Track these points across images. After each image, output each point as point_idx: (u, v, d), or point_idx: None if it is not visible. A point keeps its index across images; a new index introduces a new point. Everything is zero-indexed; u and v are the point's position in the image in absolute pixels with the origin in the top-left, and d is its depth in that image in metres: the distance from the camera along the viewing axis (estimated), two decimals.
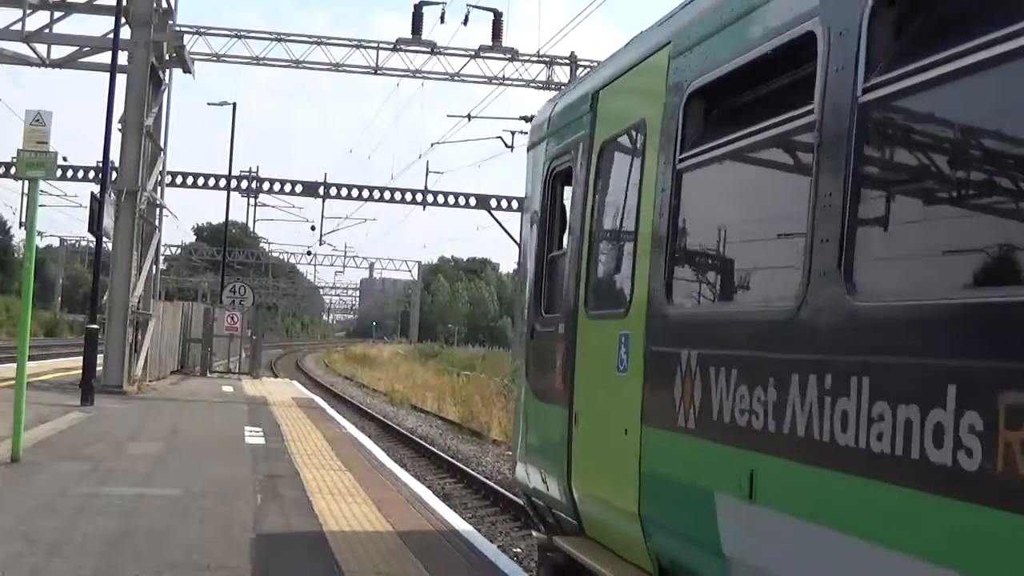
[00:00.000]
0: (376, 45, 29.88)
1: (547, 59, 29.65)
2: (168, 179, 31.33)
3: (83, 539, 7.93)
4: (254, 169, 53.99)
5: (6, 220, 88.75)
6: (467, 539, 8.90)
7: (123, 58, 22.49)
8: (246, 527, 8.77)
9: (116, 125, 21.94)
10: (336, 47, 29.81)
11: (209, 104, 44.88)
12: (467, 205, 50.97)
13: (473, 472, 16.87)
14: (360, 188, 52.41)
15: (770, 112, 4.96)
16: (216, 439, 15.25)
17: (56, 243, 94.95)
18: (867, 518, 3.92)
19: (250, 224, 68.19)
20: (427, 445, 20.96)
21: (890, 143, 4.31)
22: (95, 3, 24.54)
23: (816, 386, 4.27)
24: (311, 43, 29.73)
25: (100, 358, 21.46)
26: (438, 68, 30.01)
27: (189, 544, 7.94)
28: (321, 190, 52.80)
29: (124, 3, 21.66)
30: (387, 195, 51.65)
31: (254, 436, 15.87)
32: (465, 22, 30.05)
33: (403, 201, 52.16)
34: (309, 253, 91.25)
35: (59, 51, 24.79)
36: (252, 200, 58.17)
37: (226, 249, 47.42)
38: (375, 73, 30.02)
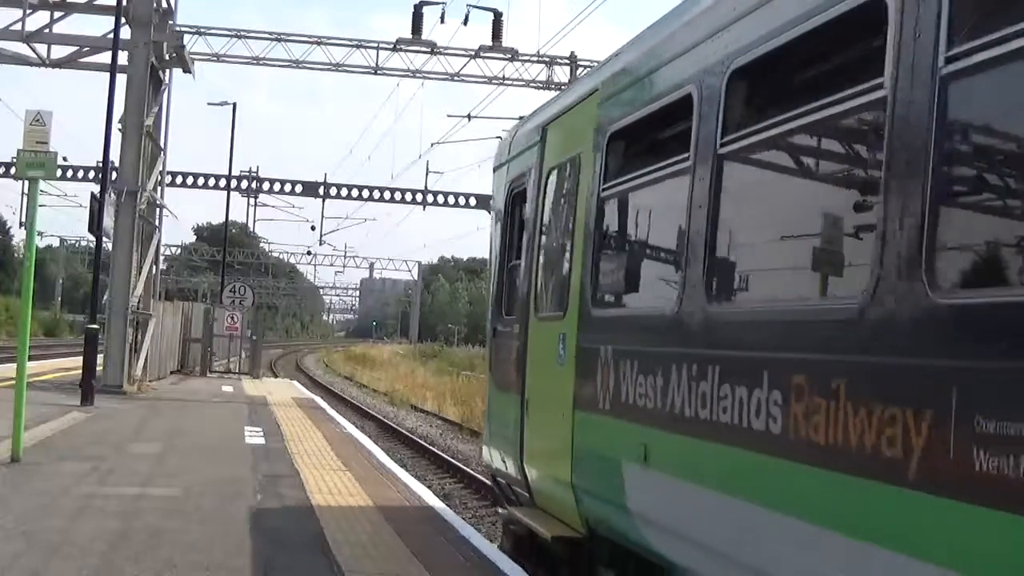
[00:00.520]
0: (376, 45, 29.88)
1: (547, 59, 29.64)
2: (168, 179, 31.32)
3: (83, 539, 7.93)
4: (254, 169, 54.06)
5: (6, 220, 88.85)
6: (468, 539, 8.89)
7: (123, 58, 22.49)
8: (246, 527, 8.77)
9: (116, 125, 21.95)
10: (336, 47, 29.81)
11: (209, 104, 44.86)
12: (467, 205, 51.02)
13: (473, 472, 16.87)
14: (360, 188, 52.47)
15: (664, 155, 6.21)
16: (216, 439, 15.25)
17: (56, 243, 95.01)
18: (728, 476, 5.10)
19: (250, 224, 68.07)
20: (427, 445, 20.97)
21: (748, 188, 5.49)
22: (95, 3, 24.53)
23: (686, 373, 5.51)
24: (311, 43, 29.72)
25: (100, 358, 21.46)
26: (438, 68, 30.02)
27: (189, 544, 7.94)
28: (321, 190, 52.83)
29: (124, 3, 21.65)
30: (387, 195, 51.69)
31: (254, 436, 15.87)
32: (465, 22, 29.97)
33: (403, 201, 52.21)
34: (309, 253, 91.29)
35: (59, 51, 24.78)
36: (252, 200, 58.17)
37: (226, 249, 47.40)
38: (375, 73, 30.00)
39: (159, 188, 25.72)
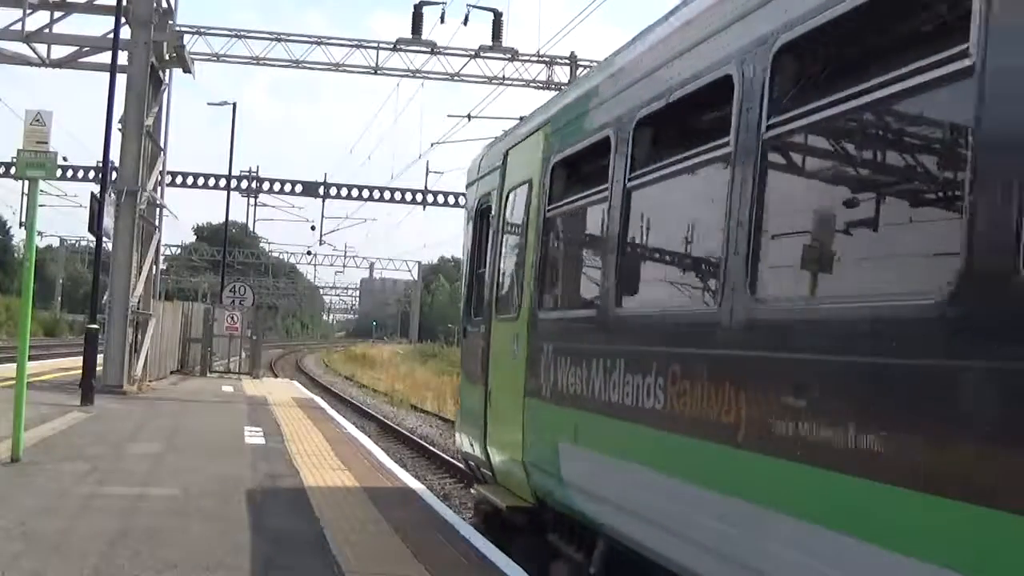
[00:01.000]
0: (376, 45, 29.89)
1: (547, 59, 29.64)
2: (168, 179, 31.31)
3: (83, 539, 7.93)
4: (254, 169, 54.12)
5: (6, 220, 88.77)
6: (468, 539, 8.89)
7: (123, 58, 22.48)
8: (246, 526, 8.77)
9: (116, 125, 21.95)
10: (336, 47, 29.81)
11: (209, 104, 44.94)
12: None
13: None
14: (360, 188, 52.51)
15: (590, 184, 7.41)
16: (216, 439, 15.25)
17: (56, 243, 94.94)
18: (641, 449, 6.20)
19: (250, 224, 68.00)
20: (427, 445, 20.96)
21: (649, 215, 6.74)
22: (95, 3, 24.53)
23: (603, 365, 6.69)
24: (311, 43, 29.73)
25: (100, 358, 21.46)
26: (438, 68, 30.02)
27: (189, 544, 7.95)
28: (321, 190, 52.86)
29: (124, 3, 21.65)
30: (387, 195, 51.72)
31: (254, 436, 15.88)
32: (465, 22, 29.99)
33: (403, 201, 52.25)
34: (309, 253, 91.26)
35: (59, 51, 24.77)
36: (252, 200, 58.17)
37: (226, 249, 47.38)
38: (375, 73, 30.00)
39: (159, 188, 25.71)
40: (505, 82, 29.94)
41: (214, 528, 8.62)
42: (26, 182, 14.67)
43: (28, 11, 23.86)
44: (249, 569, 7.30)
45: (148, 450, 13.56)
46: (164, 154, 25.82)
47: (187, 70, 25.95)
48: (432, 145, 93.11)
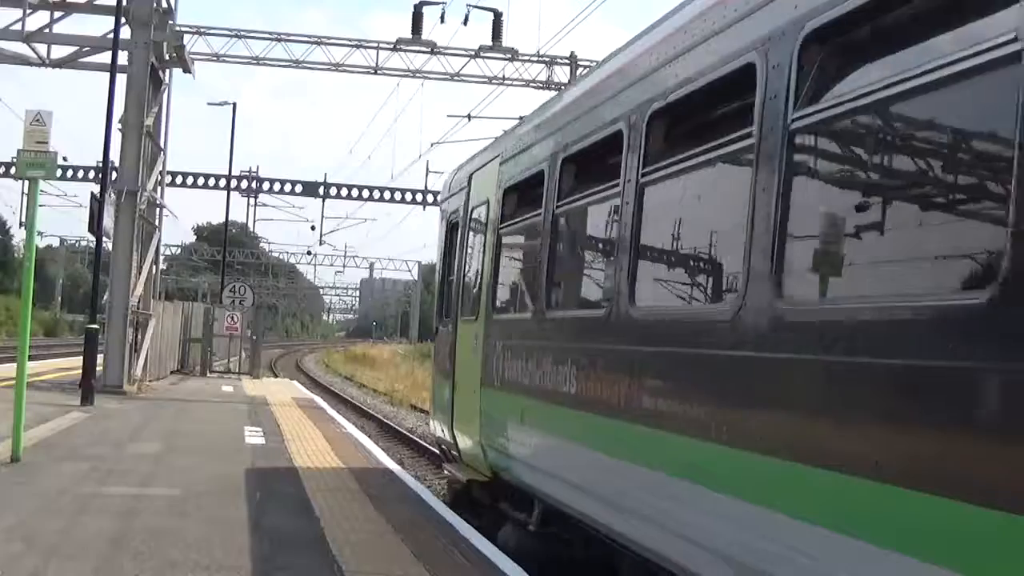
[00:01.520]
0: (376, 45, 29.85)
1: (547, 59, 29.62)
2: (168, 179, 31.31)
3: (83, 539, 7.93)
4: (254, 169, 54.02)
5: (6, 220, 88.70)
6: (468, 540, 8.89)
7: (123, 58, 22.48)
8: (246, 526, 8.77)
9: (116, 125, 21.95)
10: (336, 47, 29.79)
11: (209, 104, 44.94)
12: None
13: None
14: (360, 188, 52.47)
15: (530, 209, 8.89)
16: (216, 439, 15.24)
17: (56, 243, 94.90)
18: (563, 427, 7.65)
19: (250, 224, 67.92)
20: (427, 445, 20.94)
21: (573, 237, 8.35)
22: (95, 3, 24.52)
23: (538, 358, 8.13)
24: (311, 43, 29.71)
25: (100, 358, 21.46)
26: (438, 68, 29.99)
27: (189, 544, 7.94)
28: (321, 190, 52.82)
29: (124, 3, 21.64)
30: (387, 195, 51.68)
31: (254, 436, 15.87)
32: (465, 22, 29.98)
33: (403, 201, 52.21)
34: (309, 253, 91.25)
35: (59, 51, 24.77)
36: (252, 200, 58.13)
37: (226, 249, 47.36)
38: (375, 73, 29.97)
39: (159, 188, 25.70)
40: (505, 82, 29.92)
41: (214, 528, 8.61)
42: (26, 182, 14.67)
43: (28, 11, 23.86)
44: (250, 569, 7.30)
45: (148, 450, 13.56)
46: (164, 154, 25.81)
47: (187, 70, 25.94)
48: (432, 145, 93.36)
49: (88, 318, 22.20)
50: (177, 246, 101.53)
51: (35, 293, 12.56)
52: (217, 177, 49.34)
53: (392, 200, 52.08)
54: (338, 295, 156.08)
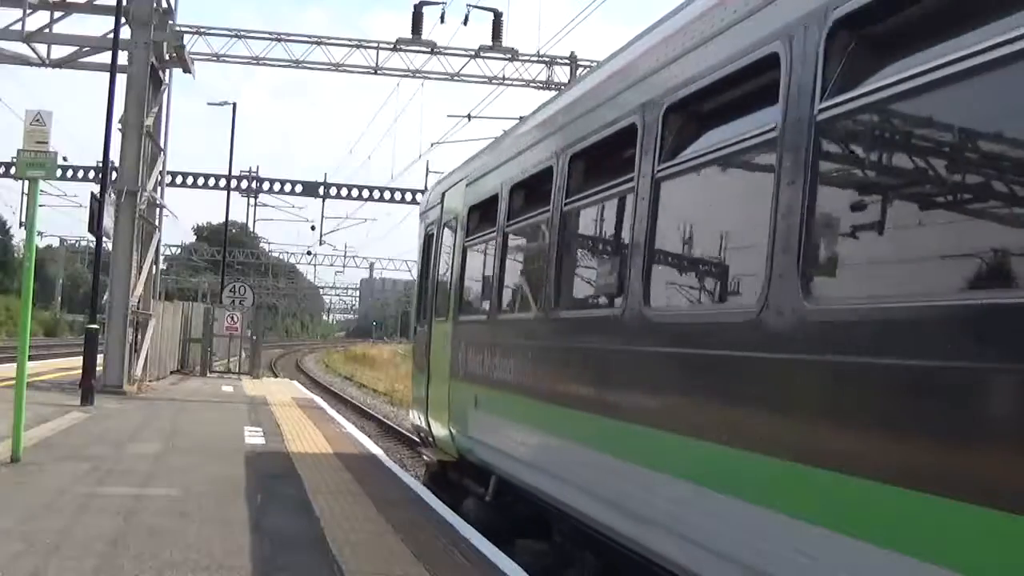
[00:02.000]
0: (376, 45, 29.85)
1: (547, 59, 29.62)
2: (168, 179, 31.30)
3: (83, 539, 7.93)
4: (254, 169, 54.02)
5: (6, 220, 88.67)
6: (468, 540, 8.89)
7: (123, 58, 22.48)
8: (246, 526, 8.77)
9: (116, 125, 21.94)
10: (336, 47, 29.79)
11: (209, 104, 44.92)
12: None
13: None
14: (360, 188, 52.43)
15: (488, 226, 10.21)
16: (216, 439, 15.24)
17: (56, 243, 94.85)
18: (512, 411, 8.90)
19: (250, 224, 67.87)
20: None
21: (521, 253, 9.70)
22: (95, 3, 24.52)
23: (490, 352, 9.60)
24: (311, 43, 29.71)
25: (100, 358, 21.45)
26: (438, 68, 29.99)
27: (189, 544, 7.94)
28: (321, 190, 52.80)
29: (124, 3, 21.64)
30: (387, 195, 51.62)
31: (254, 436, 15.87)
32: (465, 22, 29.98)
33: (403, 201, 52.12)
34: (309, 253, 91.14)
35: (59, 51, 24.77)
36: (252, 200, 58.12)
37: (226, 249, 47.35)
38: (375, 73, 29.97)
39: (159, 188, 25.70)
40: (505, 82, 29.91)
41: (214, 528, 8.61)
42: (26, 182, 14.66)
43: (28, 11, 23.85)
44: (250, 569, 7.29)
45: (148, 450, 13.56)
46: (164, 154, 25.81)
47: (187, 70, 25.94)
48: (432, 145, 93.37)
49: (88, 318, 22.20)
50: (177, 246, 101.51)
51: (35, 293, 12.56)
52: (217, 177, 49.34)
53: (392, 200, 52.03)
54: (338, 295, 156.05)
